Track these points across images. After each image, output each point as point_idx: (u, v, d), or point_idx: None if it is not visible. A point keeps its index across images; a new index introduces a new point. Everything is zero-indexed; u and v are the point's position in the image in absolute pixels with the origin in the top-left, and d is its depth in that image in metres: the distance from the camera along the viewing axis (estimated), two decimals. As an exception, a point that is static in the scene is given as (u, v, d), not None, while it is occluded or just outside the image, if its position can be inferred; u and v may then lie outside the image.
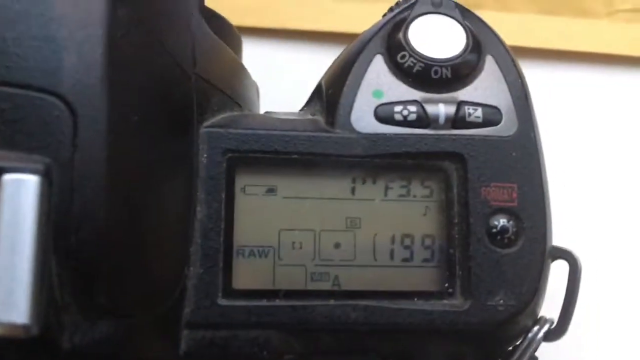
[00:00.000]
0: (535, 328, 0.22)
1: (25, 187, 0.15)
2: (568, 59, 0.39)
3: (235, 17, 0.37)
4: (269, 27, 0.38)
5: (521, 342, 0.22)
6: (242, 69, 0.25)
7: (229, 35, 0.26)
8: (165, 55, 0.19)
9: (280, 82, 0.37)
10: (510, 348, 0.22)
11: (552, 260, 0.22)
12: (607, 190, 0.35)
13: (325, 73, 0.24)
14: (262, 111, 0.29)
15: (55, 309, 0.16)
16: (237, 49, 0.28)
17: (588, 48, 0.39)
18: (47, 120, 0.16)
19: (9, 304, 0.15)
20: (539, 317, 0.22)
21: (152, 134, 0.18)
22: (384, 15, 0.24)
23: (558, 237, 0.23)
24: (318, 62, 0.26)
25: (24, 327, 0.15)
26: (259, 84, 0.30)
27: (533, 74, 0.38)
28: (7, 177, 0.15)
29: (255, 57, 0.34)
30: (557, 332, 0.22)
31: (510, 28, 0.39)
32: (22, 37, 0.16)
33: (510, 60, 0.22)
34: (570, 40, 0.39)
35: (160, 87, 0.19)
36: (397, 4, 0.24)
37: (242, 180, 0.21)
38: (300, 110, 0.24)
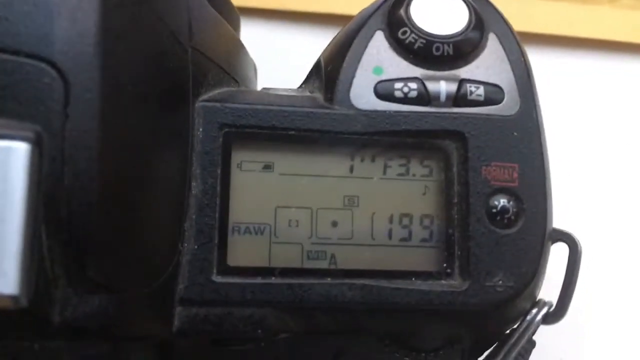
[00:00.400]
0: (534, 310, 0.22)
1: (15, 154, 0.15)
2: (570, 45, 0.39)
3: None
4: (268, 7, 0.38)
5: (519, 325, 0.22)
6: (240, 45, 0.25)
7: (227, 12, 0.26)
8: (161, 26, 0.19)
9: (279, 63, 0.36)
10: (508, 331, 0.22)
11: (552, 243, 0.22)
12: (609, 177, 0.35)
13: (325, 49, 0.24)
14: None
15: (45, 282, 0.16)
16: (236, 27, 0.27)
17: (590, 34, 0.39)
18: (37, 87, 0.16)
19: (-2, 274, 0.15)
20: (537, 299, 0.22)
21: (147, 106, 0.18)
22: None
23: (561, 223, 0.22)
24: (317, 44, 0.26)
25: (13, 297, 0.15)
26: (257, 65, 0.29)
27: (534, 59, 0.38)
28: (-4, 144, 0.15)
29: (254, 38, 0.34)
30: (555, 315, 0.22)
31: (512, 13, 0.38)
32: (13, 1, 0.16)
33: (513, 39, 0.22)
34: (572, 26, 0.39)
35: (156, 58, 0.18)
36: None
37: (238, 156, 0.20)
38: (299, 87, 0.24)
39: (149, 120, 0.18)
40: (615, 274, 0.33)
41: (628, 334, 0.32)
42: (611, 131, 0.37)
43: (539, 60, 0.38)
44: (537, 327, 0.22)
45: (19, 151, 0.15)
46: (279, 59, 0.37)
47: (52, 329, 0.16)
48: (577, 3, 0.39)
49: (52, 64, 0.16)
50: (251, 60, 0.26)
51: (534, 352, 0.22)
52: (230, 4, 0.27)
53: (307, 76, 0.24)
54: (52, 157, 0.16)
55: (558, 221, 0.22)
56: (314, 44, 0.34)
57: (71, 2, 0.16)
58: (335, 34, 0.25)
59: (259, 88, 0.29)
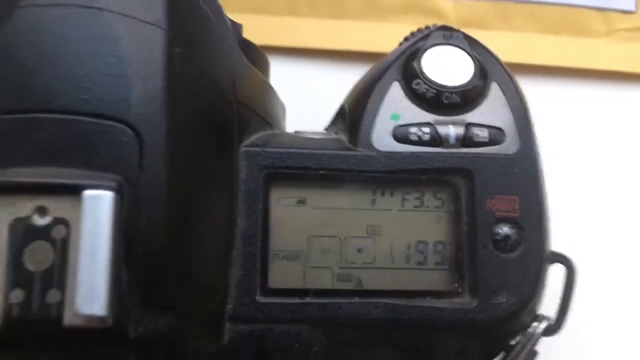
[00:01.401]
0: (535, 324, 0.25)
1: (103, 201, 0.18)
2: (569, 75, 0.41)
3: (259, 37, 0.40)
4: (294, 46, 0.41)
5: (522, 337, 0.25)
6: (272, 90, 0.28)
7: (258, 58, 0.29)
8: (212, 86, 0.22)
9: (305, 98, 0.40)
10: (513, 342, 0.25)
11: (550, 264, 0.25)
12: (603, 201, 0.38)
13: (348, 96, 0.27)
14: (287, 128, 0.32)
15: (123, 305, 0.19)
16: (265, 70, 0.31)
17: (588, 65, 0.42)
18: (117, 145, 0.19)
19: (91, 300, 0.18)
20: (538, 314, 0.25)
21: (202, 154, 0.21)
22: (400, 43, 0.27)
23: (562, 243, 0.25)
24: (340, 80, 0.29)
25: (102, 318, 0.18)
26: (284, 101, 0.32)
27: (536, 89, 0.41)
28: (87, 192, 0.18)
29: (281, 74, 0.37)
30: (554, 328, 0.25)
31: (515, 46, 0.42)
32: (95, 74, 0.19)
33: (513, 86, 0.25)
34: (571, 58, 0.42)
35: (209, 113, 0.22)
36: (412, 34, 0.27)
37: (276, 193, 0.23)
38: (325, 129, 0.27)
39: (204, 166, 0.21)
40: (609, 290, 0.36)
41: (623, 346, 0.35)
42: (609, 157, 0.39)
43: (540, 90, 0.41)
44: (538, 338, 0.25)
45: (105, 198, 0.18)
46: (304, 94, 0.40)
47: (128, 343, 0.20)
48: (575, 36, 0.42)
49: (129, 125, 0.19)
50: (281, 102, 0.30)
51: None
52: (260, 51, 0.30)
53: (333, 119, 0.28)
54: (130, 203, 0.19)
55: (558, 243, 0.25)
56: (337, 80, 0.38)
57: (142, 72, 0.20)
58: (356, 70, 0.28)
59: (287, 125, 0.32)
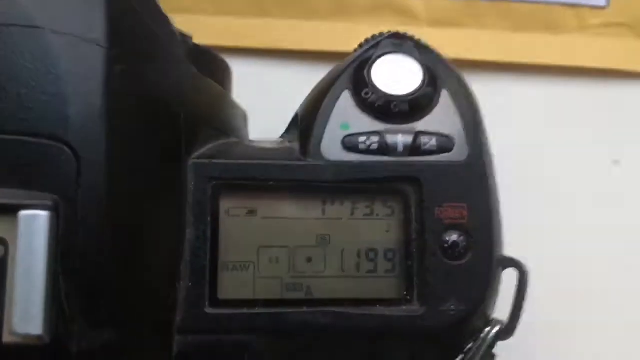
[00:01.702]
0: (487, 329, 0.25)
1: (38, 221, 0.19)
2: (542, 72, 0.42)
3: (227, 39, 0.40)
4: (263, 47, 0.41)
5: (475, 342, 0.25)
6: (228, 100, 0.28)
7: (216, 65, 0.30)
8: (156, 101, 0.22)
9: (273, 100, 0.40)
10: (469, 346, 0.25)
11: (504, 269, 0.25)
12: (572, 201, 0.38)
13: (301, 104, 0.27)
14: (251, 133, 0.32)
15: (64, 320, 0.19)
16: (224, 76, 0.31)
17: (561, 62, 0.42)
18: (55, 164, 0.19)
19: (26, 319, 0.18)
20: (491, 319, 0.25)
21: (146, 169, 0.22)
22: (355, 50, 0.27)
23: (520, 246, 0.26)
24: (310, 81, 0.29)
25: (39, 337, 0.18)
26: (250, 102, 0.33)
27: (508, 87, 0.41)
28: (23, 213, 0.19)
29: (247, 76, 0.38)
30: (506, 332, 0.25)
31: (487, 44, 0.42)
32: (34, 93, 0.20)
33: (464, 93, 0.25)
34: (544, 55, 0.42)
35: (152, 128, 0.22)
36: (366, 40, 0.27)
37: (225, 204, 0.24)
38: (281, 137, 0.27)
39: (148, 181, 0.22)
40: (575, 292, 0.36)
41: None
42: (582, 155, 0.39)
43: (513, 87, 0.41)
44: (491, 342, 0.25)
45: (40, 218, 0.19)
46: (270, 95, 0.40)
47: (72, 358, 0.20)
48: (547, 32, 0.42)
49: (67, 144, 0.20)
50: (240, 110, 0.30)
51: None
52: (218, 58, 0.30)
53: (288, 127, 0.28)
54: (67, 220, 0.19)
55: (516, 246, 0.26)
56: (304, 80, 0.38)
57: (81, 91, 0.20)
58: (324, 70, 0.28)
59: (255, 128, 0.32)
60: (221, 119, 0.26)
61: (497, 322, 0.25)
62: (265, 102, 0.39)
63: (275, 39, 0.40)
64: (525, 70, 0.41)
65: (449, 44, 0.39)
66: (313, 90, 0.27)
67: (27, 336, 0.18)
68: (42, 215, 0.19)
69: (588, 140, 0.39)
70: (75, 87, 0.20)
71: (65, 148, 0.19)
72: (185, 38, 0.25)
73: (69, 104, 0.20)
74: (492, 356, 0.26)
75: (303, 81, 0.31)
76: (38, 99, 0.20)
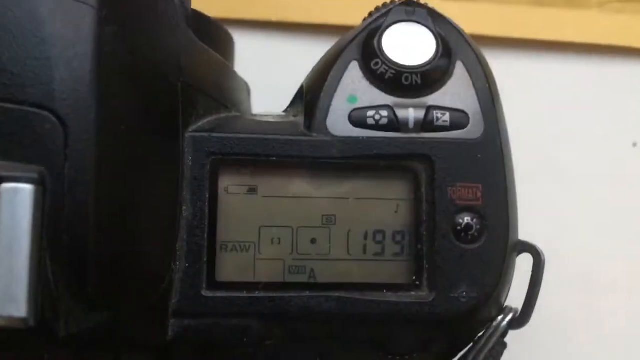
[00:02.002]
0: (500, 317, 0.24)
1: (22, 194, 0.17)
2: (560, 50, 0.40)
3: (229, 10, 0.38)
4: (263, 19, 0.39)
5: (487, 330, 0.24)
6: (229, 71, 0.27)
7: (218, 35, 0.28)
8: (151, 66, 0.21)
9: (274, 74, 0.38)
10: (480, 334, 0.24)
11: (518, 254, 0.24)
12: (590, 183, 0.36)
13: (307, 76, 0.26)
14: (254, 107, 0.30)
15: (51, 301, 0.18)
16: (228, 48, 0.29)
17: (579, 39, 0.40)
18: (40, 133, 0.18)
19: (9, 300, 0.17)
20: (504, 306, 0.24)
21: (139, 141, 0.20)
22: (364, 19, 0.25)
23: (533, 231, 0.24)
24: (310, 53, 0.27)
25: (23, 319, 0.17)
26: (253, 75, 0.31)
27: (526, 64, 0.39)
28: (5, 186, 0.17)
29: (251, 49, 0.36)
30: (520, 321, 0.24)
31: (505, 20, 0.40)
32: (18, 57, 0.18)
33: (480, 66, 0.24)
34: (563, 31, 0.40)
35: (146, 97, 0.20)
36: (376, 8, 0.25)
37: (224, 181, 0.22)
38: (285, 111, 0.26)
39: (142, 153, 0.20)
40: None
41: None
42: (600, 137, 0.38)
43: (529, 65, 0.40)
44: (504, 331, 0.24)
45: (24, 191, 0.17)
46: (273, 68, 0.39)
47: (58, 342, 0.19)
48: (566, 8, 0.40)
49: (53, 112, 0.18)
50: (242, 82, 0.28)
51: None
52: (221, 27, 0.28)
53: (293, 100, 0.26)
54: (53, 193, 0.18)
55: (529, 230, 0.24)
56: (307, 53, 0.36)
57: (68, 54, 0.18)
58: (328, 44, 0.27)
59: (255, 103, 0.31)
60: (222, 90, 0.25)
61: (510, 310, 0.24)
62: (269, 76, 0.38)
63: (281, 11, 0.39)
64: (544, 47, 0.40)
65: (465, 18, 0.37)
66: (320, 61, 0.25)
67: (9, 318, 0.17)
68: (26, 188, 0.17)
69: (607, 121, 0.38)
70: (62, 51, 0.18)
71: (51, 116, 0.18)
72: (184, 3, 0.23)
73: (55, 69, 0.18)
74: (504, 344, 0.24)
75: (309, 55, 0.30)
76: (22, 64, 0.18)
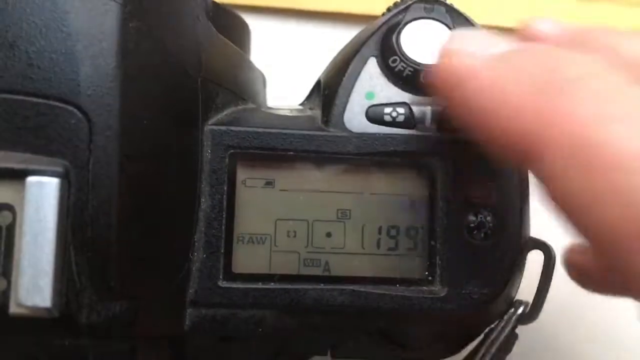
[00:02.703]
0: (511, 310, 0.24)
1: (47, 188, 0.18)
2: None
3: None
4: (281, 7, 0.39)
5: (498, 323, 0.24)
6: (247, 62, 0.27)
7: (234, 25, 0.28)
8: (173, 62, 0.21)
9: (290, 63, 0.38)
10: (491, 328, 0.25)
11: (529, 251, 0.24)
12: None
13: (324, 70, 0.26)
14: (269, 97, 0.31)
15: (74, 292, 0.19)
16: (243, 37, 0.30)
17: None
18: (65, 127, 0.18)
19: (34, 291, 0.17)
20: (515, 300, 0.24)
21: (161, 135, 0.20)
22: (383, 13, 0.26)
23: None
24: (329, 43, 0.27)
25: (47, 309, 0.18)
26: (269, 64, 0.31)
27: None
28: (31, 179, 0.18)
29: (266, 37, 0.36)
30: (529, 316, 0.24)
31: (520, 9, 0.40)
32: (43, 51, 0.18)
33: (496, 64, 0.24)
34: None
35: (168, 91, 0.21)
36: (394, 4, 0.25)
37: (242, 174, 0.23)
38: (301, 104, 0.26)
39: (163, 147, 0.21)
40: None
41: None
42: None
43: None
44: (515, 324, 0.24)
45: (50, 185, 0.18)
46: (289, 56, 0.39)
47: (80, 331, 0.19)
48: (614, 4, 0.40)
49: (78, 107, 0.18)
50: (259, 73, 0.28)
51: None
52: (238, 18, 0.29)
53: (309, 93, 0.26)
54: (78, 187, 0.18)
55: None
56: (325, 44, 0.36)
57: (93, 50, 0.19)
58: (344, 32, 0.27)
59: (271, 92, 0.31)
60: (240, 82, 0.25)
61: (520, 303, 0.24)
62: (284, 64, 0.38)
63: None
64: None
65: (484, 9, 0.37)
66: (337, 56, 0.25)
67: (34, 308, 0.17)
68: (52, 182, 0.18)
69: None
70: (87, 46, 0.19)
71: (76, 111, 0.18)
72: (204, -5, 0.23)
73: (81, 65, 0.18)
74: (515, 335, 0.25)
75: (325, 44, 0.30)
76: (48, 58, 0.18)
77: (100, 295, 0.19)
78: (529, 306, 0.24)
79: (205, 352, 0.23)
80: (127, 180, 0.19)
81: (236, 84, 0.25)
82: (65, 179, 0.18)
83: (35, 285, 0.17)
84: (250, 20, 0.30)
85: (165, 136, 0.21)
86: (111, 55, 0.19)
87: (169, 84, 0.21)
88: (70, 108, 0.18)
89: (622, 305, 0.35)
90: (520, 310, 0.24)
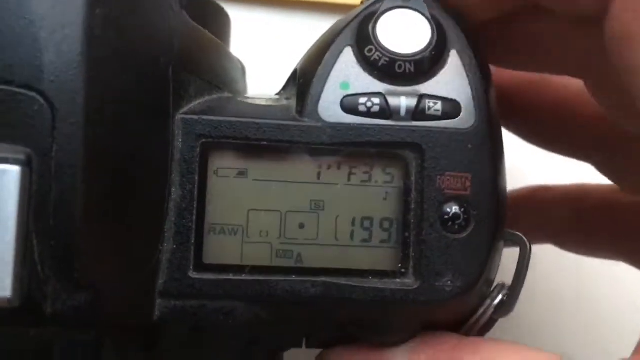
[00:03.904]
0: (487, 302, 0.24)
1: (8, 176, 0.17)
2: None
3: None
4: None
5: (473, 315, 0.24)
6: (223, 51, 0.27)
7: (213, 15, 0.28)
8: (142, 50, 0.21)
9: (271, 52, 0.38)
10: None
11: (505, 244, 0.24)
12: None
13: (301, 59, 0.25)
14: (249, 87, 0.30)
15: (37, 281, 0.18)
16: (223, 26, 0.29)
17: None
18: (28, 114, 0.18)
19: (-6, 280, 0.17)
20: (492, 290, 0.24)
21: (128, 124, 0.20)
22: (361, 3, 0.25)
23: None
24: (311, 33, 0.27)
25: (8, 299, 0.17)
26: (250, 53, 0.31)
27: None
28: (-8, 167, 0.17)
29: (247, 26, 0.36)
30: (504, 309, 0.24)
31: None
32: (5, 38, 0.18)
33: (474, 55, 0.23)
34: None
35: (136, 80, 0.20)
36: (371, -6, 0.25)
37: (214, 164, 0.22)
38: (278, 93, 0.26)
39: (131, 136, 0.20)
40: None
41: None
42: None
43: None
44: (493, 309, 0.24)
45: (11, 173, 0.17)
46: (272, 45, 0.39)
47: (45, 320, 0.19)
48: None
49: (41, 93, 0.18)
50: (237, 62, 0.28)
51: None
52: (217, 6, 0.28)
53: (286, 82, 0.26)
54: (41, 175, 0.18)
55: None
56: (306, 33, 0.36)
57: (57, 36, 0.18)
58: (328, 21, 0.27)
59: (251, 82, 0.31)
60: (215, 71, 0.25)
61: (498, 293, 0.24)
62: (265, 53, 0.38)
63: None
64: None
65: None
66: (314, 45, 0.25)
67: (-6, 298, 0.17)
68: (13, 170, 0.17)
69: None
70: (51, 32, 0.18)
71: (39, 98, 0.18)
72: (177, -19, 0.23)
73: (44, 50, 0.18)
74: (493, 321, 0.25)
75: (306, 33, 0.29)
76: (9, 44, 0.18)
77: (64, 285, 0.19)
78: (504, 300, 0.24)
79: (176, 343, 0.23)
80: (92, 169, 0.19)
81: (211, 73, 0.24)
82: (27, 166, 0.18)
83: (-5, 274, 0.17)
84: (233, 11, 0.30)
85: (133, 125, 0.20)
86: (76, 42, 0.18)
87: (137, 72, 0.20)
88: (32, 94, 0.18)
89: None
90: (497, 301, 0.24)
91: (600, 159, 0.29)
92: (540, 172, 0.36)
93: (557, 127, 0.29)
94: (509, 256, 0.25)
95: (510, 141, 0.25)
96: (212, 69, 0.25)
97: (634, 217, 0.29)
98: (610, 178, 0.29)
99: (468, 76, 0.23)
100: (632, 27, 0.20)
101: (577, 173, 0.32)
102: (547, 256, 0.32)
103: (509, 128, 0.29)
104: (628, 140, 0.26)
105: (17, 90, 0.18)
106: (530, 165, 0.36)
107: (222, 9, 0.29)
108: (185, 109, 0.22)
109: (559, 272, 0.36)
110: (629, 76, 0.20)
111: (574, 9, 0.22)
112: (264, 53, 0.38)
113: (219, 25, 0.28)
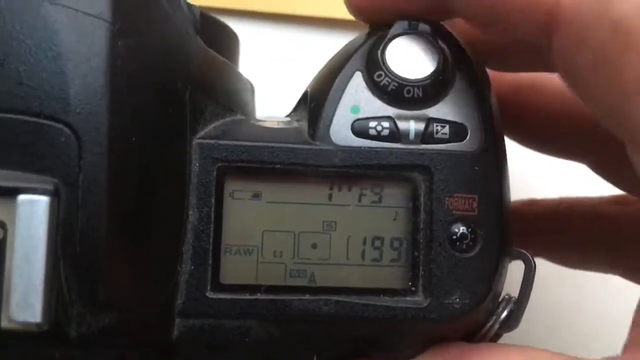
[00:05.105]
0: (493, 318, 0.25)
1: (38, 206, 0.18)
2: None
3: (234, 1, 0.39)
4: (270, 12, 0.40)
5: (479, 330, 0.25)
6: (235, 73, 0.27)
7: (224, 37, 0.28)
8: (161, 78, 0.21)
9: (278, 69, 0.39)
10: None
11: (511, 260, 0.25)
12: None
13: (311, 82, 0.26)
14: (257, 106, 0.31)
15: (63, 305, 0.19)
16: (233, 48, 0.30)
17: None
18: (55, 145, 0.19)
19: (25, 307, 0.18)
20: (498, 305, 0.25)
21: (149, 150, 0.21)
22: (369, 27, 0.26)
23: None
24: (315, 47, 0.28)
25: (37, 324, 0.18)
26: (257, 70, 0.32)
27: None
28: (22, 197, 0.18)
29: (254, 42, 0.36)
30: (510, 324, 0.25)
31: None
32: (34, 70, 0.19)
33: (479, 79, 0.24)
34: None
35: (156, 106, 0.21)
36: (379, 19, 0.26)
37: (230, 187, 0.23)
38: (288, 115, 0.27)
39: (151, 162, 0.21)
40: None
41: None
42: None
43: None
44: (500, 324, 0.25)
45: (40, 203, 0.18)
46: (279, 61, 0.39)
47: (69, 342, 0.20)
48: None
49: (68, 125, 0.19)
50: (247, 83, 0.29)
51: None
52: (226, 28, 0.29)
53: (297, 104, 0.27)
54: (67, 204, 0.19)
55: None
56: (312, 47, 0.37)
57: (83, 68, 0.19)
58: (333, 37, 0.27)
59: (260, 101, 0.32)
60: (228, 94, 0.25)
61: (504, 309, 0.25)
62: (272, 70, 0.38)
63: (287, 3, 0.39)
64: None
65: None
66: (323, 68, 0.26)
67: (25, 323, 0.18)
68: (43, 200, 0.18)
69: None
70: (77, 65, 0.19)
71: (66, 129, 0.19)
72: (192, 9, 0.24)
73: (70, 83, 0.19)
74: (498, 336, 0.25)
75: (313, 49, 0.30)
76: (37, 77, 0.19)
77: (88, 308, 0.20)
78: (509, 315, 0.25)
79: (193, 360, 0.24)
80: (116, 196, 0.20)
81: (224, 96, 0.25)
82: (55, 196, 0.18)
83: (26, 301, 0.18)
84: (240, 26, 0.31)
85: (153, 151, 0.21)
86: (100, 73, 0.19)
87: (157, 98, 0.21)
88: (60, 126, 0.19)
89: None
90: (502, 316, 0.25)
91: (595, 159, 0.30)
92: (538, 177, 0.37)
93: (552, 128, 0.29)
94: (512, 266, 0.25)
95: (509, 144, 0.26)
96: (226, 92, 0.25)
97: (624, 229, 0.30)
98: (606, 178, 0.30)
99: (474, 100, 0.24)
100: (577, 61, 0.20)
101: (569, 179, 0.33)
102: (546, 268, 0.33)
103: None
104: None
105: (45, 122, 0.19)
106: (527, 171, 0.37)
107: (231, 30, 0.29)
108: (201, 133, 0.23)
109: (557, 285, 0.37)
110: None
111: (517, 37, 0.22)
112: (271, 68, 0.38)
113: (229, 46, 0.29)
